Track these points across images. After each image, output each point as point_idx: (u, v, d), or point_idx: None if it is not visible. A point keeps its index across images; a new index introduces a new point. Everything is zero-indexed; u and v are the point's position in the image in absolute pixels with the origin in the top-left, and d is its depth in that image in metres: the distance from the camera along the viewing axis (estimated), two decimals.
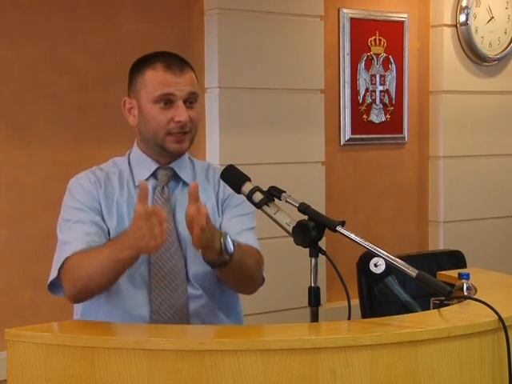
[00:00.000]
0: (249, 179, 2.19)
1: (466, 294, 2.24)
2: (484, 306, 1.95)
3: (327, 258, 2.03)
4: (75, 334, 1.82)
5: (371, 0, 4.54)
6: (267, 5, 4.06)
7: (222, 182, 2.33)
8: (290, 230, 2.06)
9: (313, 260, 2.01)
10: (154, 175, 2.33)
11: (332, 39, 4.41)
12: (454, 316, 1.99)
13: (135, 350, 1.76)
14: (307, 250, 2.02)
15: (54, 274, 2.22)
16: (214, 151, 3.97)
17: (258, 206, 2.14)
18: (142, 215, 1.98)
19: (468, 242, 4.65)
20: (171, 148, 2.29)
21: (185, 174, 2.36)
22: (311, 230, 2.00)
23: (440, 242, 4.74)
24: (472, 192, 4.81)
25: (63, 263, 2.19)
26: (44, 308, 3.52)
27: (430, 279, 1.95)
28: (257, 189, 2.15)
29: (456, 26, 4.70)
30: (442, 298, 2.05)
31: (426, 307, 2.12)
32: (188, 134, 2.29)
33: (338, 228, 2.00)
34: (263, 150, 4.08)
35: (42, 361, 1.81)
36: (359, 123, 4.51)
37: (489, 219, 4.88)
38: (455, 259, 3.75)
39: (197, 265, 2.29)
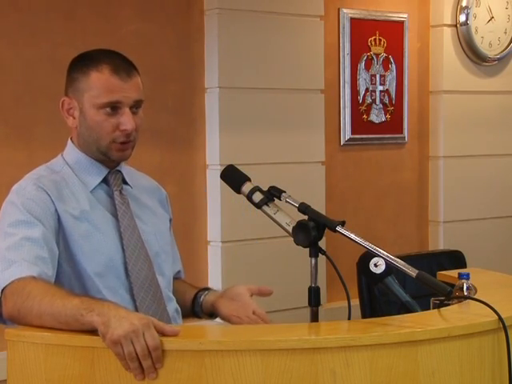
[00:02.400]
0: (249, 179, 2.19)
1: (466, 293, 2.23)
2: (484, 306, 1.94)
3: (327, 257, 2.03)
4: (75, 334, 1.82)
5: (371, 0, 4.54)
6: (267, 5, 4.06)
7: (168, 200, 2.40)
8: (290, 230, 2.06)
9: (313, 260, 2.01)
10: (104, 180, 2.23)
11: (332, 39, 4.41)
12: (454, 316, 1.99)
13: None
14: (307, 250, 2.02)
15: None
16: (214, 151, 3.97)
17: (258, 206, 2.14)
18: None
19: (468, 242, 4.65)
20: (114, 156, 2.19)
21: (129, 179, 2.30)
22: (311, 230, 2.00)
23: (440, 242, 4.74)
24: (472, 192, 4.81)
25: (8, 284, 1.94)
26: None
27: (430, 279, 1.95)
28: (257, 189, 2.15)
29: (456, 26, 4.70)
30: (442, 298, 2.05)
31: (426, 307, 2.12)
32: (131, 143, 2.19)
33: (338, 228, 2.00)
34: (263, 150, 4.08)
35: (42, 361, 1.81)
36: (359, 123, 4.51)
37: (489, 219, 4.88)
38: (455, 259, 3.75)
39: (165, 270, 2.29)
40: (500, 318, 1.91)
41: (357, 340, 1.77)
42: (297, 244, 2.02)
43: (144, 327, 1.74)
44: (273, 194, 2.14)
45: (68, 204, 2.15)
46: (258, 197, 2.14)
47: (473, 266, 3.40)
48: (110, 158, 2.21)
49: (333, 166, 4.43)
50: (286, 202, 2.10)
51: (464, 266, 3.65)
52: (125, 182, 2.28)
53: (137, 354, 1.72)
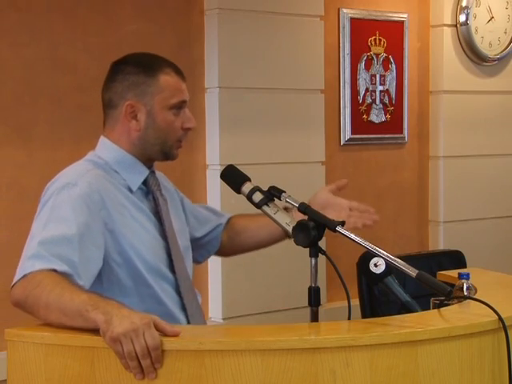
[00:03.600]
0: (249, 179, 2.19)
1: (465, 293, 2.24)
2: (484, 306, 1.95)
3: (327, 257, 2.03)
4: (75, 334, 1.82)
5: (371, 0, 4.54)
6: (267, 5, 4.06)
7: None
8: (290, 230, 2.06)
9: (313, 260, 2.01)
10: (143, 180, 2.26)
11: (332, 39, 4.41)
12: (454, 316, 1.99)
13: None
14: (307, 250, 2.02)
15: (19, 275, 1.98)
16: (214, 151, 3.97)
17: (258, 205, 2.14)
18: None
19: (468, 242, 4.65)
20: (175, 154, 2.28)
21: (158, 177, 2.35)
22: (311, 230, 2.00)
23: (440, 242, 4.74)
24: (472, 192, 4.81)
25: (28, 273, 1.95)
26: None
27: (430, 279, 1.95)
28: (257, 189, 2.16)
29: (456, 26, 4.71)
30: (442, 298, 2.05)
31: (426, 307, 2.12)
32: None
33: (338, 228, 2.00)
34: (263, 150, 4.08)
35: (42, 361, 1.81)
36: (359, 123, 4.51)
37: (489, 219, 4.88)
38: (455, 259, 3.75)
39: (190, 266, 2.33)
40: (500, 318, 1.91)
41: (357, 340, 1.77)
42: (297, 244, 2.02)
43: (144, 326, 1.73)
44: (273, 193, 2.14)
45: (115, 200, 2.15)
46: (258, 197, 2.14)
47: (473, 266, 3.40)
48: (168, 157, 2.27)
49: (333, 166, 4.43)
50: (286, 201, 2.11)
51: (464, 266, 3.65)
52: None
53: (136, 354, 1.72)
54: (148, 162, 2.27)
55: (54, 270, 1.93)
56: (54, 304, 1.85)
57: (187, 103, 2.26)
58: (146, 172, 2.25)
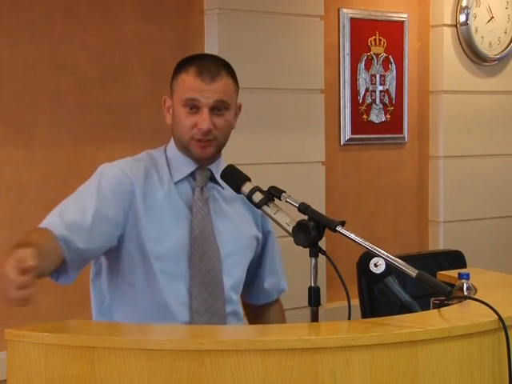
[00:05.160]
0: (249, 179, 2.19)
1: (465, 293, 2.24)
2: (484, 306, 1.95)
3: (327, 257, 2.03)
4: (75, 333, 1.82)
5: (371, 0, 4.54)
6: (267, 5, 4.06)
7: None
8: (290, 230, 2.06)
9: (313, 260, 2.01)
10: (192, 175, 2.35)
11: (332, 39, 4.41)
12: (454, 316, 1.99)
13: (135, 350, 1.76)
14: (307, 250, 2.02)
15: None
16: None
17: (258, 205, 2.14)
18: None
19: (468, 242, 4.65)
20: (194, 152, 2.32)
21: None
22: (311, 230, 2.00)
23: (440, 242, 4.74)
24: (472, 192, 4.81)
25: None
26: (44, 308, 3.52)
27: (430, 279, 1.95)
28: (257, 189, 2.16)
29: (456, 26, 4.70)
30: (442, 298, 2.05)
31: (426, 307, 2.12)
32: (213, 141, 2.31)
33: (338, 228, 2.00)
34: (263, 150, 4.08)
35: (42, 361, 1.81)
36: (359, 123, 4.51)
37: (489, 219, 4.88)
38: (455, 259, 3.75)
39: (233, 271, 2.36)
40: (500, 318, 1.91)
41: (357, 340, 1.77)
42: (297, 244, 2.02)
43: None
44: (273, 193, 2.14)
45: (151, 188, 2.29)
46: (258, 197, 2.14)
47: (473, 266, 3.40)
48: (192, 155, 2.32)
49: (333, 165, 4.43)
50: (286, 201, 2.10)
51: (464, 266, 3.65)
52: (215, 181, 2.37)
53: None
54: (195, 158, 2.33)
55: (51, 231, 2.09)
56: None
57: (204, 104, 2.28)
58: (192, 167, 2.34)
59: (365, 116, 4.53)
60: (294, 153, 4.19)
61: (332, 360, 1.75)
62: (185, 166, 2.35)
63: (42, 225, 2.14)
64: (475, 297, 2.13)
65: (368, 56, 4.52)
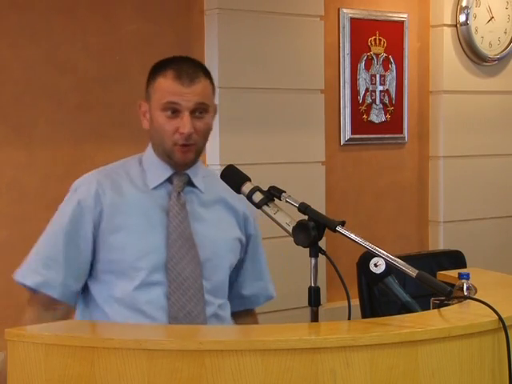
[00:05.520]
0: (249, 179, 2.19)
1: (465, 293, 2.24)
2: (484, 306, 1.94)
3: (327, 257, 2.03)
4: (75, 333, 1.82)
5: (371, 0, 4.54)
6: (267, 5, 4.06)
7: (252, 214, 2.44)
8: (290, 230, 2.05)
9: (313, 260, 2.01)
10: (169, 180, 2.33)
11: (332, 39, 4.41)
12: (454, 316, 1.99)
13: (135, 350, 1.76)
14: (307, 250, 2.02)
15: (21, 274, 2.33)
16: (214, 151, 3.97)
17: (258, 206, 2.14)
18: None
19: (468, 242, 4.65)
20: (176, 158, 2.29)
21: (200, 182, 2.36)
22: (311, 230, 2.00)
23: (440, 242, 4.74)
24: (472, 192, 4.81)
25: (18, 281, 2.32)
26: None
27: (430, 279, 1.95)
28: (257, 189, 2.15)
29: (456, 26, 4.70)
30: (442, 298, 2.05)
31: (426, 307, 2.12)
32: (193, 146, 2.28)
33: (338, 228, 2.00)
34: (263, 150, 4.08)
35: (42, 361, 1.81)
36: (359, 123, 4.51)
37: (489, 219, 4.88)
38: (455, 259, 3.75)
39: (213, 275, 2.33)
40: (500, 318, 1.91)
41: (357, 340, 1.77)
42: (297, 244, 2.02)
43: None
44: (273, 193, 2.14)
45: (118, 199, 2.27)
46: (258, 197, 2.14)
47: (473, 266, 3.40)
48: (173, 161, 2.30)
49: (333, 165, 4.43)
50: (286, 201, 2.10)
51: (464, 266, 3.65)
52: (193, 185, 2.35)
53: None
54: (173, 164, 2.31)
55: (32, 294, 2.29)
56: None
57: (184, 107, 2.24)
58: (168, 172, 2.32)
59: (365, 116, 4.53)
60: (294, 153, 4.19)
61: (332, 360, 1.75)
62: (161, 172, 2.32)
63: (37, 281, 2.27)
64: (475, 297, 2.13)
65: (368, 56, 4.52)
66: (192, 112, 2.25)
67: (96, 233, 2.26)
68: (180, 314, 2.23)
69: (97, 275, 2.29)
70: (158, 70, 2.31)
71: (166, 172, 2.32)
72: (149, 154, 2.37)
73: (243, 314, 2.56)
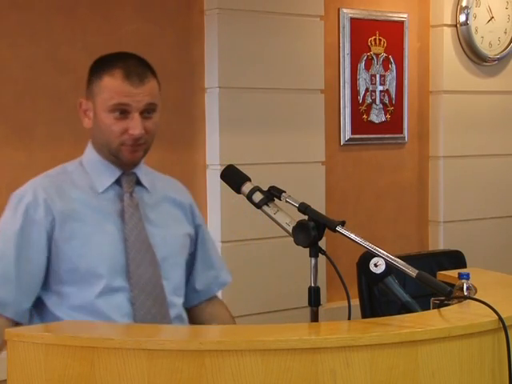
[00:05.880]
0: (249, 179, 2.19)
1: (465, 293, 2.24)
2: (484, 306, 1.94)
3: (327, 257, 2.03)
4: (75, 333, 1.82)
5: (371, 0, 4.54)
6: (267, 5, 4.06)
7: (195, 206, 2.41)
8: (290, 230, 2.05)
9: (313, 260, 2.01)
10: (117, 181, 2.26)
11: (332, 39, 4.41)
12: (454, 316, 1.99)
13: (135, 350, 1.76)
14: (307, 250, 2.02)
15: None
16: (214, 151, 3.97)
17: (258, 206, 2.14)
18: None
19: (468, 242, 4.65)
20: (125, 158, 2.22)
21: (146, 181, 2.32)
22: (311, 230, 2.00)
23: (440, 242, 4.74)
24: (472, 192, 4.81)
25: None
26: None
27: (430, 279, 1.95)
28: (257, 189, 2.15)
29: (456, 26, 4.71)
30: (442, 298, 2.05)
31: (426, 307, 2.12)
32: (142, 145, 2.22)
33: (338, 228, 2.00)
34: (263, 150, 4.08)
35: (42, 361, 1.81)
36: (359, 123, 4.51)
37: (489, 219, 4.88)
38: (455, 259, 3.75)
39: (172, 274, 2.29)
40: (500, 318, 1.91)
41: (357, 340, 1.77)
42: (297, 244, 2.02)
43: None
44: (273, 193, 2.14)
45: (67, 206, 2.19)
46: (258, 197, 2.14)
47: (473, 266, 3.40)
48: (121, 160, 2.23)
49: (333, 165, 4.43)
50: (286, 202, 2.10)
51: (464, 266, 3.65)
52: (140, 185, 2.30)
53: None
54: (120, 164, 2.25)
55: None
56: None
57: (134, 108, 2.17)
58: (116, 173, 2.25)
59: (365, 116, 4.53)
60: (294, 153, 4.19)
61: (332, 360, 1.75)
62: (108, 174, 2.25)
63: None
64: (475, 297, 2.13)
65: (368, 56, 4.52)
66: (142, 112, 2.19)
67: (49, 243, 2.16)
68: (146, 319, 2.18)
69: (51, 287, 2.20)
70: (102, 67, 2.22)
71: (113, 173, 2.25)
72: (91, 155, 2.29)
73: (208, 305, 2.48)
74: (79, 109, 2.28)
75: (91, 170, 2.27)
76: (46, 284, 2.20)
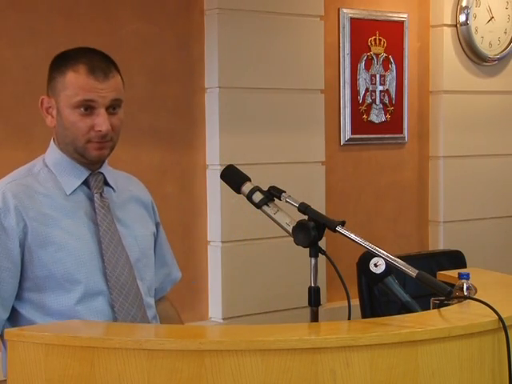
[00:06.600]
0: (249, 179, 2.19)
1: (465, 294, 2.23)
2: (484, 305, 1.94)
3: (327, 257, 2.03)
4: (75, 333, 1.82)
5: (371, 0, 4.54)
6: (267, 5, 4.06)
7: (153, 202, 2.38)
8: (290, 230, 2.05)
9: (313, 260, 2.01)
10: (84, 182, 2.21)
11: (332, 39, 4.41)
12: (454, 316, 1.99)
13: (135, 350, 1.76)
14: (307, 250, 2.02)
15: None
16: (214, 151, 3.97)
17: (258, 205, 2.14)
18: None
19: (468, 242, 4.65)
20: (91, 156, 2.17)
21: (112, 180, 2.28)
22: (311, 230, 2.00)
23: (440, 242, 4.74)
24: (472, 192, 4.81)
25: None
26: None
27: (430, 279, 1.95)
28: (257, 189, 2.15)
29: (456, 26, 4.71)
30: (442, 298, 2.05)
31: (426, 307, 2.12)
32: (109, 142, 2.17)
33: (338, 228, 2.00)
34: (263, 150, 4.08)
35: (42, 361, 1.81)
36: (359, 123, 4.51)
37: (489, 219, 4.88)
38: (455, 259, 3.75)
39: (145, 275, 2.28)
40: (500, 318, 1.91)
41: (357, 340, 1.77)
42: (297, 244, 2.02)
43: None
44: (273, 193, 2.14)
45: (39, 211, 2.13)
46: (258, 197, 2.14)
47: (473, 266, 3.40)
48: (87, 159, 2.19)
49: (333, 165, 4.43)
50: (286, 202, 2.10)
51: (464, 266, 3.65)
52: (107, 184, 2.26)
53: None
54: (86, 163, 2.21)
55: None
56: None
57: (100, 104, 2.13)
58: (84, 174, 2.21)
59: (365, 116, 4.53)
60: (294, 153, 4.19)
61: (332, 360, 1.75)
62: (76, 175, 2.20)
63: None
64: (475, 297, 2.13)
65: (368, 56, 4.52)
66: (107, 108, 2.15)
67: (22, 250, 2.11)
68: (126, 320, 2.15)
69: (24, 295, 2.14)
70: (65, 63, 2.17)
71: (80, 174, 2.21)
72: (55, 155, 2.25)
73: (158, 304, 2.42)
74: (41, 107, 2.23)
75: (57, 170, 2.22)
76: (19, 292, 2.14)
